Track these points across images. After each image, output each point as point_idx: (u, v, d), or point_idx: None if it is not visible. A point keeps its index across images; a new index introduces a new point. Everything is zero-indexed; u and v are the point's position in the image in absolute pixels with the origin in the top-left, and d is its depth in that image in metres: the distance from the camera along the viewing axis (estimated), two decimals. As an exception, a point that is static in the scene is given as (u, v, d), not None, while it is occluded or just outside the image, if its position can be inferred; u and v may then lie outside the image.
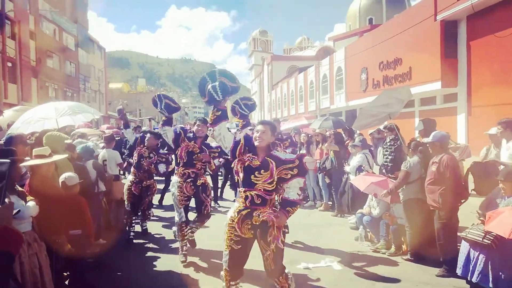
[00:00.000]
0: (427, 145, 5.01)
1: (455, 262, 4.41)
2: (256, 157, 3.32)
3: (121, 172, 11.40)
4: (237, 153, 3.34)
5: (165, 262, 5.29)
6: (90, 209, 4.39)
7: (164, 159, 6.45)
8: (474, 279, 4.10)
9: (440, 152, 4.77)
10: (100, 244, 5.79)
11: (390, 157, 6.19)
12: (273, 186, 3.28)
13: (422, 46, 14.36)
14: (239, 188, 3.42)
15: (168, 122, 5.08)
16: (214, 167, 5.46)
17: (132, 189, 6.25)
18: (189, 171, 5.03)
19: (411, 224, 5.14)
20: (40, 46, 26.93)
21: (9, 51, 21.45)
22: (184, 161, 5.00)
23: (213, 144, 5.33)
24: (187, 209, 5.36)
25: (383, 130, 7.07)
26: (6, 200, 1.60)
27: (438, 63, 13.52)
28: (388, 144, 6.27)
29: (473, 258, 4.14)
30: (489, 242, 3.95)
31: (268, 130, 3.34)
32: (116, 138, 9.75)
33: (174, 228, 5.26)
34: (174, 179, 5.14)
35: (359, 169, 6.71)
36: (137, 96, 65.31)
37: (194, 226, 5.23)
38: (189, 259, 5.23)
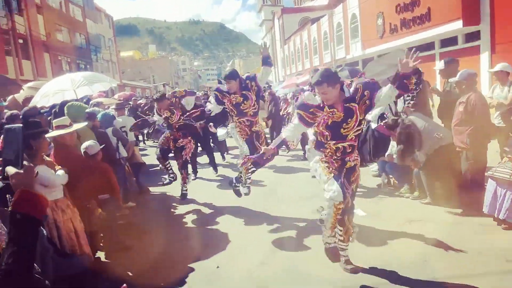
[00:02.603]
0: (454, 84, 4.84)
1: (481, 201, 4.39)
2: (336, 110, 3.20)
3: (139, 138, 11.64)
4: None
5: (195, 221, 5.46)
6: (114, 174, 4.50)
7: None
8: (501, 216, 4.09)
9: (467, 92, 4.61)
10: (129, 206, 6.03)
11: (412, 102, 6.02)
12: (362, 126, 3.30)
13: (441, -17, 13.52)
14: (324, 142, 3.31)
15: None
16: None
17: (168, 140, 6.23)
18: (244, 119, 5.20)
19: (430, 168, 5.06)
20: (48, 20, 26.76)
21: (18, 28, 21.41)
22: (235, 112, 5.17)
23: None
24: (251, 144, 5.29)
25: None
26: (25, 162, 1.61)
27: (459, 1, 12.77)
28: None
29: (500, 195, 4.10)
30: (517, 178, 3.89)
31: (327, 87, 3.12)
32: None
33: (239, 161, 5.52)
34: (231, 125, 5.39)
35: (381, 117, 6.58)
36: (149, 63, 65.09)
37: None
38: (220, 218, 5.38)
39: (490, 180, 4.26)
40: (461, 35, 14.08)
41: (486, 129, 4.57)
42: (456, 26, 13.19)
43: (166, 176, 6.53)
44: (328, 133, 3.22)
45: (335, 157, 3.31)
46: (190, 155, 6.42)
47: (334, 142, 3.23)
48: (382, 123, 5.90)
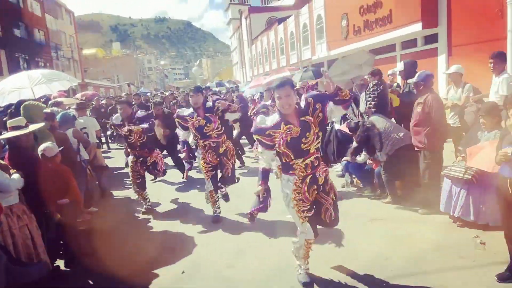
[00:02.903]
0: (412, 85, 5.01)
1: (438, 200, 4.58)
2: (292, 126, 3.10)
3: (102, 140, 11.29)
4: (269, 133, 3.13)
5: (160, 226, 5.37)
6: (75, 178, 4.35)
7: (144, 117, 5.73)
8: (456, 214, 4.29)
9: (425, 92, 4.78)
10: (91, 211, 5.84)
11: (373, 102, 6.20)
12: (320, 137, 3.19)
13: (401, -13, 14.00)
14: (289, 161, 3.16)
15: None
16: None
17: (138, 168, 5.76)
18: (209, 141, 5.03)
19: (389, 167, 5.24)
20: (4, 14, 25.43)
21: (-30, 22, 20.27)
22: (199, 136, 5.01)
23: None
24: (215, 178, 5.24)
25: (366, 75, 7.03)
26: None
27: (418, 4, 13.25)
28: (371, 89, 6.25)
29: (455, 193, 4.30)
30: (470, 177, 4.09)
31: (290, 89, 3.06)
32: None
33: (206, 194, 5.39)
34: (198, 152, 5.23)
35: (343, 118, 6.74)
36: (113, 61, 63.39)
37: (221, 190, 5.44)
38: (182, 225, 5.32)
39: (445, 179, 4.46)
40: (420, 37, 14.64)
41: (442, 129, 4.76)
42: (415, 29, 13.69)
43: (144, 205, 5.96)
44: (290, 152, 3.12)
45: (306, 174, 3.17)
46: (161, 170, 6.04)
47: (301, 160, 3.13)
48: (345, 124, 6.05)
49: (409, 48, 15.41)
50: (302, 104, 3.19)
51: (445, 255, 3.72)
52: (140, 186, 5.82)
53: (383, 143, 5.05)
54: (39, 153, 4.13)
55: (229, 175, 5.26)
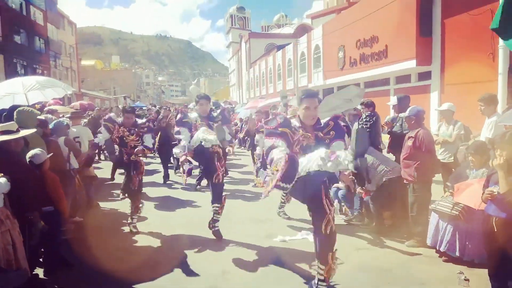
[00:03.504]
0: (404, 119, 5.10)
1: (425, 233, 4.60)
2: (309, 135, 3.29)
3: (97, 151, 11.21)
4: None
5: (144, 240, 5.29)
6: (63, 186, 4.30)
7: (145, 129, 5.72)
8: (442, 249, 4.30)
9: (416, 127, 4.87)
10: (76, 221, 5.75)
11: (365, 133, 6.30)
12: None
13: (398, 24, 14.46)
14: None
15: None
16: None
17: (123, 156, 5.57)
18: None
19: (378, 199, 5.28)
20: (6, 21, 25.59)
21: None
22: None
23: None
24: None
25: (359, 106, 7.15)
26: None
27: (413, 41, 13.67)
28: (364, 120, 6.36)
29: (442, 228, 4.33)
30: (457, 213, 4.13)
31: (318, 103, 3.33)
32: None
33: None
34: None
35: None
36: (111, 74, 63.55)
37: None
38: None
39: (433, 213, 4.50)
40: (414, 73, 15.03)
41: (432, 164, 4.83)
42: (410, 65, 14.07)
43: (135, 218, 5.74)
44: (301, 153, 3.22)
45: None
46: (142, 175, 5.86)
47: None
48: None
49: (403, 83, 15.78)
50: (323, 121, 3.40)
51: (429, 289, 3.71)
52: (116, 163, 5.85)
53: (369, 178, 5.09)
54: (27, 159, 4.10)
55: (219, 181, 5.19)
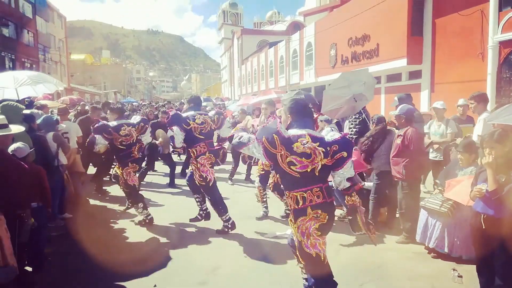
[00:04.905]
0: (394, 118, 5.14)
1: (414, 230, 4.66)
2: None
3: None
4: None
5: (135, 236, 5.27)
6: (51, 182, 4.24)
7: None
8: (431, 245, 4.36)
9: (405, 126, 4.92)
10: (65, 217, 5.69)
11: (355, 129, 6.35)
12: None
13: (390, 23, 14.55)
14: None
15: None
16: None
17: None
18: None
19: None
20: (-7, 13, 25.15)
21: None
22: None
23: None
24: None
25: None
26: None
27: (404, 40, 13.77)
28: (354, 117, 6.40)
29: (431, 225, 4.38)
30: (446, 210, 4.18)
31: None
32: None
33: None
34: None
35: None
36: (101, 69, 62.93)
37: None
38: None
39: (422, 210, 4.55)
40: (405, 72, 15.14)
41: (420, 161, 4.89)
42: (400, 64, 14.18)
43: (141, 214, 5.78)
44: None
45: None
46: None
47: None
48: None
49: (394, 81, 15.88)
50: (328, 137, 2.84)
51: (418, 285, 3.76)
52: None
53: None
54: (10, 153, 4.01)
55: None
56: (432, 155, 6.01)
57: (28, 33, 32.11)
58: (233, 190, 7.95)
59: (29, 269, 4.04)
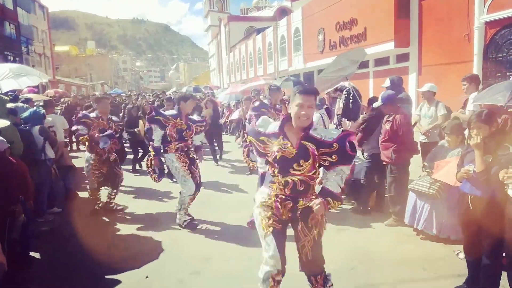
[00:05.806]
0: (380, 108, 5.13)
1: (403, 212, 4.71)
2: (289, 143, 2.56)
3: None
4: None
5: (126, 229, 5.24)
6: (37, 177, 4.17)
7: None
8: (419, 227, 4.42)
9: (392, 111, 4.93)
10: (54, 212, 5.64)
11: (341, 107, 6.37)
12: (317, 175, 2.67)
13: (377, 6, 14.49)
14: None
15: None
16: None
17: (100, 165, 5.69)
18: (182, 144, 5.11)
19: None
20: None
21: None
22: (175, 137, 5.06)
23: (196, 117, 5.50)
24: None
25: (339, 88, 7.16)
26: None
27: (391, 24, 13.76)
28: (345, 96, 6.37)
29: (419, 207, 4.44)
30: (434, 192, 4.23)
31: (314, 101, 2.57)
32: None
33: (177, 205, 5.22)
34: (168, 156, 5.08)
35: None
36: (86, 60, 61.84)
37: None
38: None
39: (410, 192, 4.60)
40: (392, 55, 15.16)
41: (409, 145, 4.92)
42: (388, 47, 14.18)
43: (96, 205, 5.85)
44: (276, 167, 2.63)
45: (285, 194, 2.64)
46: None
47: (281, 176, 2.61)
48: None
49: (382, 65, 15.90)
50: (326, 135, 2.63)
51: (409, 267, 3.81)
52: (99, 185, 5.76)
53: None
54: None
55: (198, 182, 5.25)
56: (421, 138, 6.05)
57: (9, 25, 31.32)
58: (224, 178, 7.94)
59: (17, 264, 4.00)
